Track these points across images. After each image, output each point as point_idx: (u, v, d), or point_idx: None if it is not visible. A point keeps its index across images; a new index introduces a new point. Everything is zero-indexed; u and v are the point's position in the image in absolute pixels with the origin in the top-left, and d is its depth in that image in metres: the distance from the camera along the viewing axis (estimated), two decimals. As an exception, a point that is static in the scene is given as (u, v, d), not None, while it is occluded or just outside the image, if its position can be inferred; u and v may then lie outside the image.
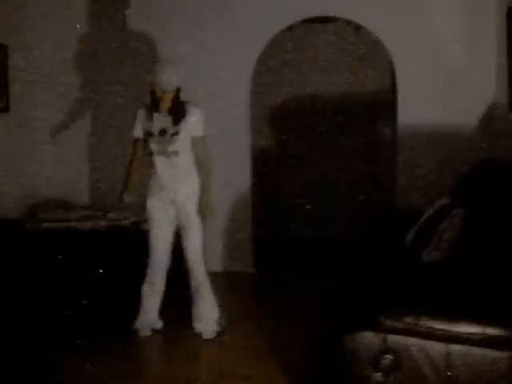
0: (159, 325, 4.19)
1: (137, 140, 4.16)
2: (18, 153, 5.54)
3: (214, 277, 5.38)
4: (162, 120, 4.00)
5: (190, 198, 4.04)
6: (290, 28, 5.75)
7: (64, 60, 5.66)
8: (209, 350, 3.86)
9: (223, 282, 5.38)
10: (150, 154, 4.05)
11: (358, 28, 6.01)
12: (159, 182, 4.06)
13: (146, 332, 4.11)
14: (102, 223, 4.95)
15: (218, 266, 5.54)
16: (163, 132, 3.99)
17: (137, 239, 4.60)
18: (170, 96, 3.97)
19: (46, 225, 5.01)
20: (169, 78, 3.94)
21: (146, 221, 4.37)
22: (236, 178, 5.49)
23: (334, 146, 6.77)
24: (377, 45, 5.54)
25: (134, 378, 3.57)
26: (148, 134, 4.03)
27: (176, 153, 4.00)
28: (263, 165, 6.34)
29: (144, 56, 5.52)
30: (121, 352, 3.85)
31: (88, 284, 4.45)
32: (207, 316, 4.12)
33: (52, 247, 4.74)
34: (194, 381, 3.57)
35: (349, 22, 5.74)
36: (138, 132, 4.13)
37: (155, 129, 4.00)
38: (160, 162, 4.02)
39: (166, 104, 4.00)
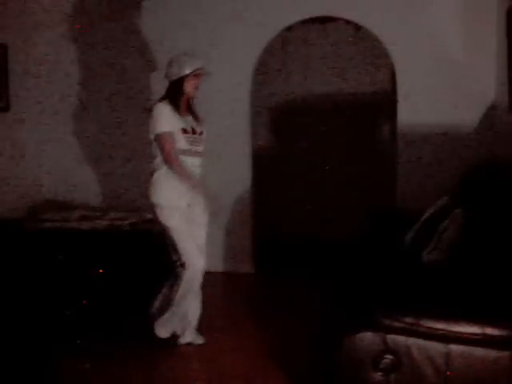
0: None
1: (170, 135, 3.71)
2: (18, 153, 5.55)
3: (214, 277, 5.42)
4: (186, 119, 3.81)
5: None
6: (289, 28, 5.76)
7: (64, 60, 5.66)
8: (208, 350, 3.85)
9: (223, 282, 5.39)
10: (180, 153, 3.74)
11: (358, 28, 6.02)
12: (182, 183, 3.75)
13: (199, 339, 3.95)
14: (102, 223, 4.95)
15: (218, 266, 5.54)
16: (194, 130, 3.81)
17: (136, 239, 4.61)
18: (199, 84, 3.81)
19: (46, 225, 5.01)
20: (201, 60, 3.83)
21: (146, 221, 4.36)
22: (236, 178, 5.49)
23: (334, 145, 6.76)
24: (377, 45, 5.55)
25: (134, 378, 3.57)
26: (184, 131, 3.75)
27: (202, 154, 3.86)
28: (263, 165, 6.34)
29: (144, 56, 5.53)
30: (120, 352, 3.84)
31: (88, 284, 4.45)
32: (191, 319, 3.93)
33: (52, 247, 4.74)
34: (194, 381, 3.57)
35: (349, 22, 5.74)
36: (169, 126, 3.71)
37: (187, 126, 3.77)
38: (187, 162, 3.76)
39: (184, 102, 3.82)
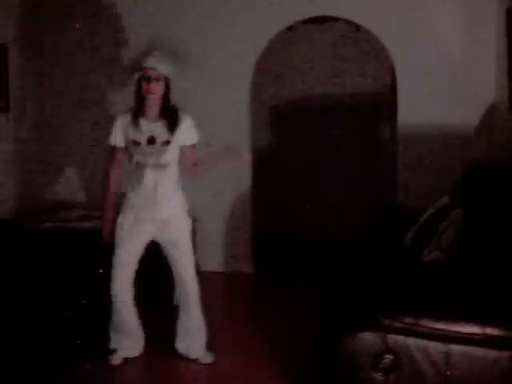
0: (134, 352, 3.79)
1: (116, 149, 3.64)
2: (17, 153, 5.55)
3: (214, 277, 5.42)
4: (150, 127, 3.51)
5: (176, 214, 3.62)
6: (289, 28, 5.75)
7: (64, 60, 5.66)
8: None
9: (223, 282, 5.39)
10: (135, 165, 3.55)
11: (357, 28, 6.02)
12: (140, 197, 3.55)
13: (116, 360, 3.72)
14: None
15: (218, 266, 5.55)
16: (152, 141, 3.49)
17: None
18: (159, 88, 3.45)
19: (46, 225, 5.01)
20: (158, 61, 3.44)
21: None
22: (236, 178, 5.49)
23: (334, 145, 6.76)
24: (377, 45, 5.55)
25: (134, 377, 3.57)
26: (134, 144, 3.52)
27: (165, 165, 3.52)
28: (263, 165, 6.34)
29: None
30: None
31: (88, 284, 4.45)
32: (195, 335, 3.72)
33: (52, 247, 4.74)
34: (194, 381, 3.57)
35: (349, 22, 5.74)
36: (118, 140, 3.59)
37: (143, 137, 3.50)
38: (145, 175, 3.51)
39: (154, 107, 3.52)
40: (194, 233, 5.27)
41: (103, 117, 5.63)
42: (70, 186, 5.74)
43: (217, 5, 5.38)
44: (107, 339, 3.74)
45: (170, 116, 3.53)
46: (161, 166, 3.53)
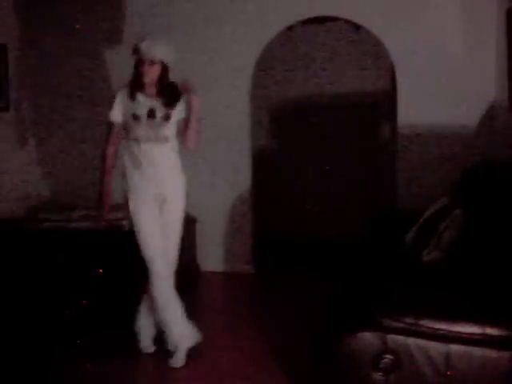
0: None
1: (114, 126, 3.65)
2: (17, 153, 5.55)
3: (214, 277, 5.42)
4: (148, 102, 3.56)
5: (175, 195, 3.67)
6: (289, 28, 5.75)
7: (64, 60, 5.66)
8: (209, 350, 3.85)
9: (223, 282, 5.39)
10: (134, 141, 3.57)
11: (357, 28, 6.02)
12: (142, 174, 3.58)
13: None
14: (102, 223, 4.94)
15: (218, 266, 5.55)
16: (152, 114, 3.54)
17: (136, 239, 4.60)
18: (153, 71, 3.52)
19: (46, 225, 5.01)
20: (153, 46, 3.49)
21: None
22: (236, 178, 5.49)
23: (334, 145, 6.77)
24: (377, 45, 5.55)
25: (134, 377, 3.57)
26: (133, 117, 3.54)
27: (166, 139, 3.58)
28: (263, 165, 6.34)
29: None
30: (120, 352, 3.84)
31: (88, 284, 4.45)
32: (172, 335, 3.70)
33: (52, 247, 4.74)
34: (194, 380, 3.57)
35: (349, 22, 5.74)
36: (117, 116, 3.61)
37: (142, 111, 3.54)
38: (145, 150, 3.55)
39: (151, 86, 3.56)
40: (194, 233, 5.31)
41: (103, 117, 5.63)
42: (70, 185, 5.74)
43: (217, 5, 5.38)
44: (107, 339, 3.74)
45: (169, 93, 3.57)
46: (161, 140, 3.58)
